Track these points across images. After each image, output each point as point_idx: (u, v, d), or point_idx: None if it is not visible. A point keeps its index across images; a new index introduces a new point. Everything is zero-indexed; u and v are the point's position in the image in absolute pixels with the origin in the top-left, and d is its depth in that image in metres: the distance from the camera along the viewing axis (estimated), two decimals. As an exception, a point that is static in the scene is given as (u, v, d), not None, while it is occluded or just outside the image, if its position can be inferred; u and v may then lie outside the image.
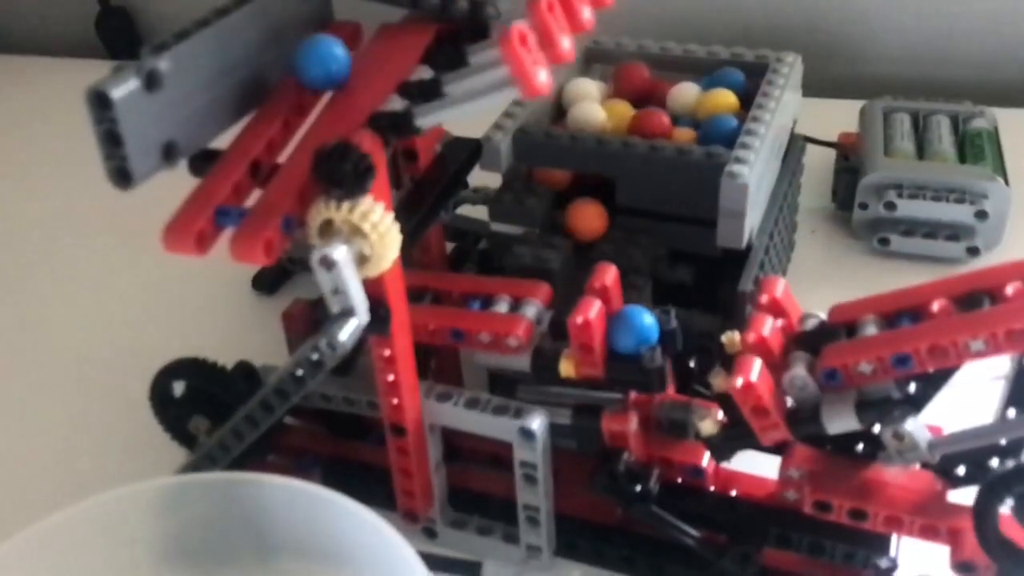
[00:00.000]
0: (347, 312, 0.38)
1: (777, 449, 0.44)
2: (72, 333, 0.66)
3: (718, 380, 0.41)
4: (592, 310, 0.42)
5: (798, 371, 0.40)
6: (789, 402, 0.41)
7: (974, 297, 0.40)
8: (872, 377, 0.39)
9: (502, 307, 0.46)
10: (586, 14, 0.40)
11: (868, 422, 0.40)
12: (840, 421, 0.40)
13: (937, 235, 0.66)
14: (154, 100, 0.35)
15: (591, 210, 0.54)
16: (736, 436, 0.42)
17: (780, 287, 0.43)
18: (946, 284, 0.41)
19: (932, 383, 0.41)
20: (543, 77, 0.36)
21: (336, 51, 0.40)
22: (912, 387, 0.41)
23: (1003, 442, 0.40)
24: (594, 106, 0.57)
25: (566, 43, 0.38)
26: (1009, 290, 0.39)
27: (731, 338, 0.42)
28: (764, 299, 0.43)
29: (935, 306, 0.40)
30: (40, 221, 0.79)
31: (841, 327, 0.42)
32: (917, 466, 0.43)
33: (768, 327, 0.41)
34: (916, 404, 0.40)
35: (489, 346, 0.45)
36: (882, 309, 0.42)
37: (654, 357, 0.42)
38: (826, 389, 0.40)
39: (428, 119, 0.39)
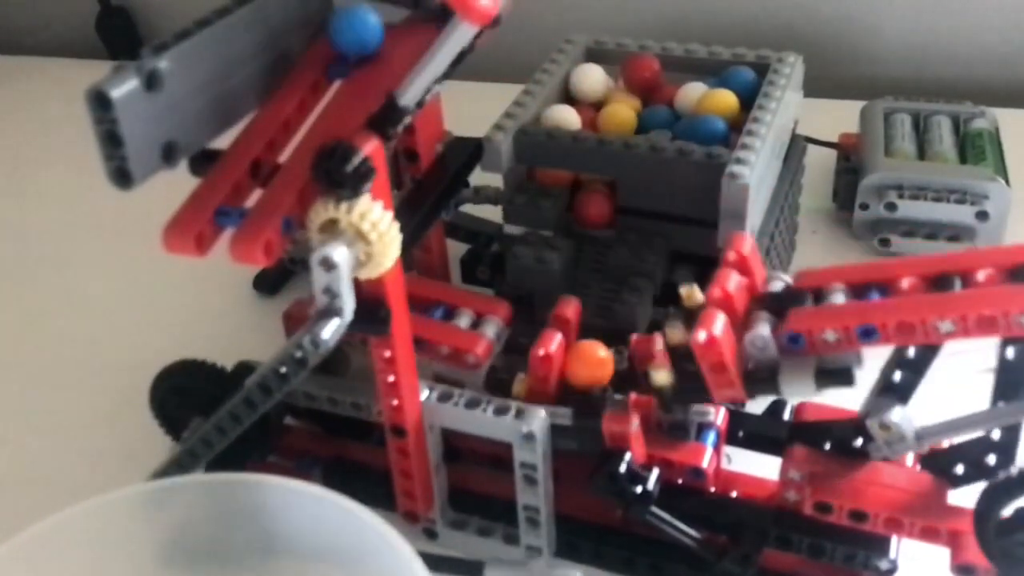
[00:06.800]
0: (332, 311, 0.38)
1: (778, 450, 0.45)
2: (72, 334, 0.66)
3: (674, 333, 0.40)
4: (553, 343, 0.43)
5: (761, 331, 0.39)
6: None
7: (945, 279, 0.39)
8: (835, 346, 0.39)
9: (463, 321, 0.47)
10: None
11: (824, 389, 0.39)
12: (798, 386, 0.39)
13: (938, 236, 0.66)
14: (154, 100, 0.35)
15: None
16: (689, 391, 0.41)
17: (748, 244, 0.42)
18: (918, 262, 0.41)
19: (915, 370, 0.40)
20: (485, 2, 0.36)
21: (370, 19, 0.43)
22: (897, 376, 0.40)
23: (997, 437, 0.40)
24: (571, 112, 0.57)
25: None
26: (980, 276, 0.39)
27: (690, 292, 0.41)
28: (731, 256, 0.42)
29: (904, 283, 0.40)
30: (40, 221, 0.79)
31: (808, 292, 0.41)
32: (917, 466, 0.43)
33: (734, 283, 0.41)
34: (902, 394, 0.40)
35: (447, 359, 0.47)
36: (851, 279, 0.41)
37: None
38: (786, 353, 0.39)
39: (408, 94, 0.39)
